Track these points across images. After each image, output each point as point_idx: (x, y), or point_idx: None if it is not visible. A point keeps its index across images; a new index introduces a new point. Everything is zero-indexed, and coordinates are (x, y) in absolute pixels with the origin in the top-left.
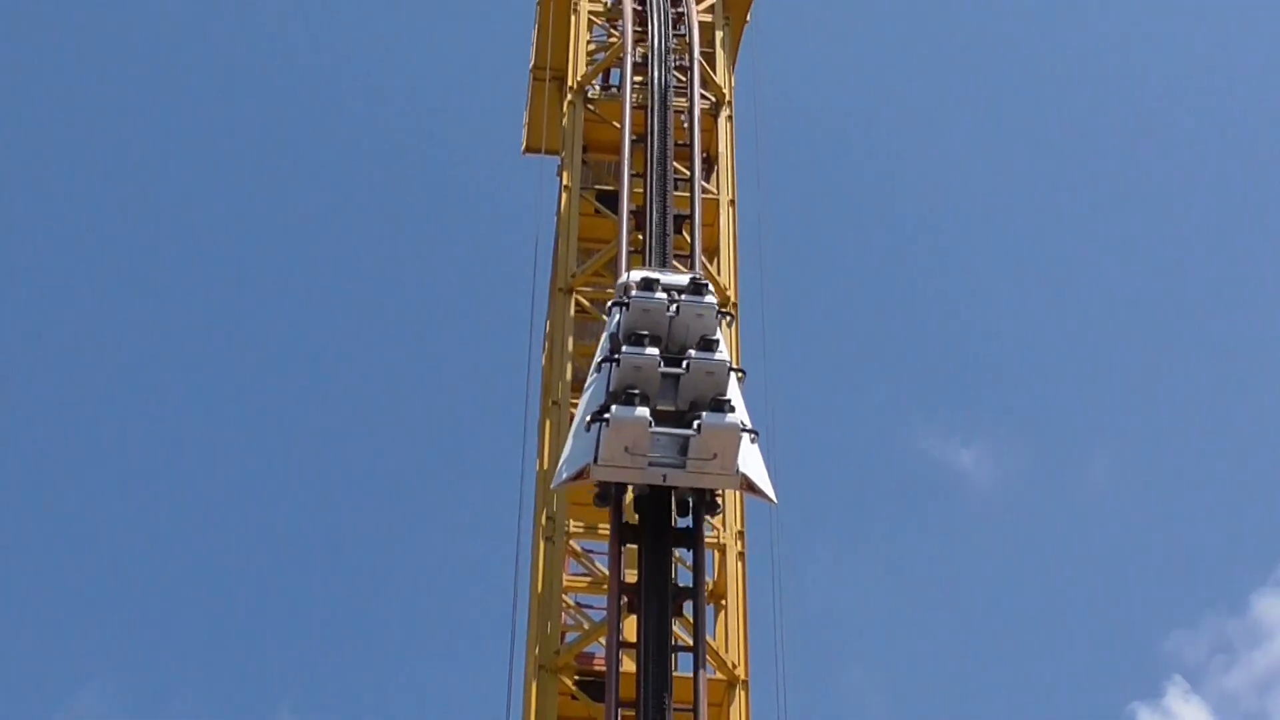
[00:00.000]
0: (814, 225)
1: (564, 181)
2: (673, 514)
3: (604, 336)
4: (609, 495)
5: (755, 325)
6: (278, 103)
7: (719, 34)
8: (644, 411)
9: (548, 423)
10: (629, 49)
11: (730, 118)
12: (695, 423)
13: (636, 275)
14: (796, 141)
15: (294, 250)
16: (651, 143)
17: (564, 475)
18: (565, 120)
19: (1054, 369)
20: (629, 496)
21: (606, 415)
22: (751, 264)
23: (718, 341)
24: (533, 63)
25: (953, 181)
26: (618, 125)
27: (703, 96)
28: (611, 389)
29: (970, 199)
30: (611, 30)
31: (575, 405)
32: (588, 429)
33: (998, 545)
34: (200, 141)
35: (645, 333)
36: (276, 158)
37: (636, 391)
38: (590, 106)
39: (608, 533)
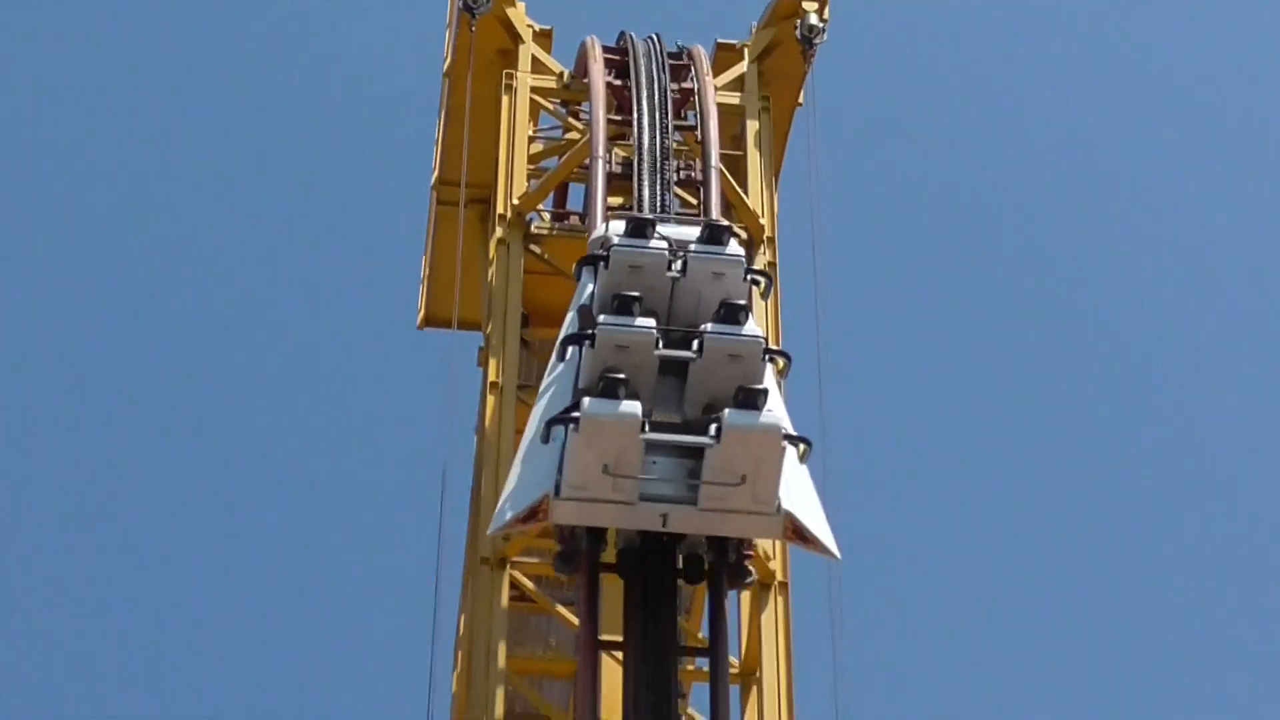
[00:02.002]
0: (902, 428)
1: (489, 375)
2: (677, 582)
3: (571, 311)
4: (577, 552)
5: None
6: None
7: (752, 125)
8: (633, 407)
9: None
10: (599, 151)
11: (772, 263)
12: (713, 426)
13: (619, 224)
14: (872, 287)
15: None
16: None
17: (508, 515)
18: (492, 271)
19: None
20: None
21: (575, 414)
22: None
23: (745, 309)
24: (436, 175)
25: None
26: None
27: None
28: (582, 383)
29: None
30: (570, 121)
31: None
32: (545, 440)
33: None
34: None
35: (635, 295)
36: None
37: (622, 377)
38: (535, 248)
39: None
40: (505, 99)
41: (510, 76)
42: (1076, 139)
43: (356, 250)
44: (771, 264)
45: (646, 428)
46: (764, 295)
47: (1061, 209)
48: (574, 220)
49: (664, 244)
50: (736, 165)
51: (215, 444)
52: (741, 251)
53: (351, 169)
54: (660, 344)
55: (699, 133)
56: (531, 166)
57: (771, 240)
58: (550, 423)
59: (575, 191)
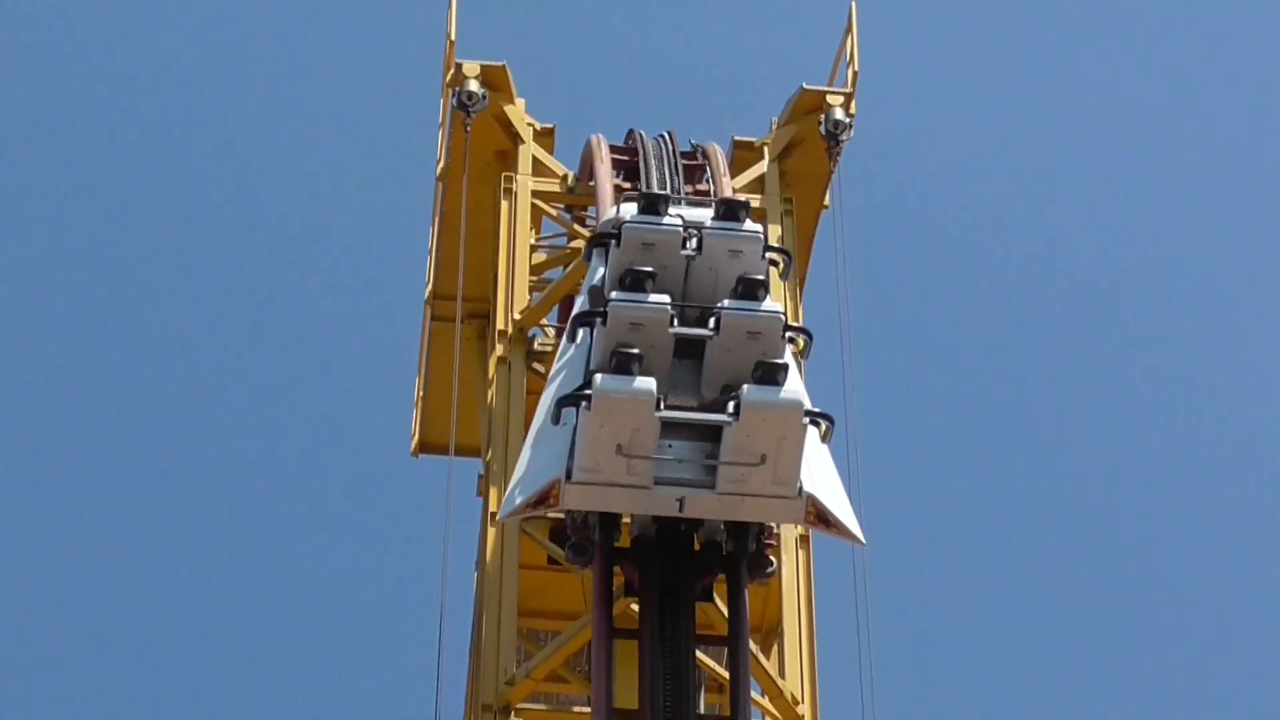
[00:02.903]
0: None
1: (489, 505)
2: (694, 574)
3: (582, 291)
4: (589, 543)
5: None
6: None
7: (774, 229)
8: (648, 383)
9: None
10: None
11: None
12: (731, 403)
13: (631, 206)
14: (906, 404)
15: None
16: None
17: (518, 500)
18: (492, 392)
19: None
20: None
21: (588, 391)
22: (843, 664)
23: (764, 285)
24: (430, 288)
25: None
26: None
27: None
28: (594, 364)
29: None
30: (576, 227)
31: None
32: (555, 421)
33: None
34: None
35: (649, 270)
36: None
37: (636, 352)
38: (538, 366)
39: None
40: (504, 204)
41: (509, 179)
42: (1108, 243)
43: (345, 370)
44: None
45: (662, 406)
46: (783, 276)
47: (1089, 309)
48: None
49: (678, 221)
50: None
51: (202, 583)
52: (759, 228)
53: (338, 282)
54: (675, 322)
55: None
56: (534, 278)
57: (801, 350)
58: (560, 403)
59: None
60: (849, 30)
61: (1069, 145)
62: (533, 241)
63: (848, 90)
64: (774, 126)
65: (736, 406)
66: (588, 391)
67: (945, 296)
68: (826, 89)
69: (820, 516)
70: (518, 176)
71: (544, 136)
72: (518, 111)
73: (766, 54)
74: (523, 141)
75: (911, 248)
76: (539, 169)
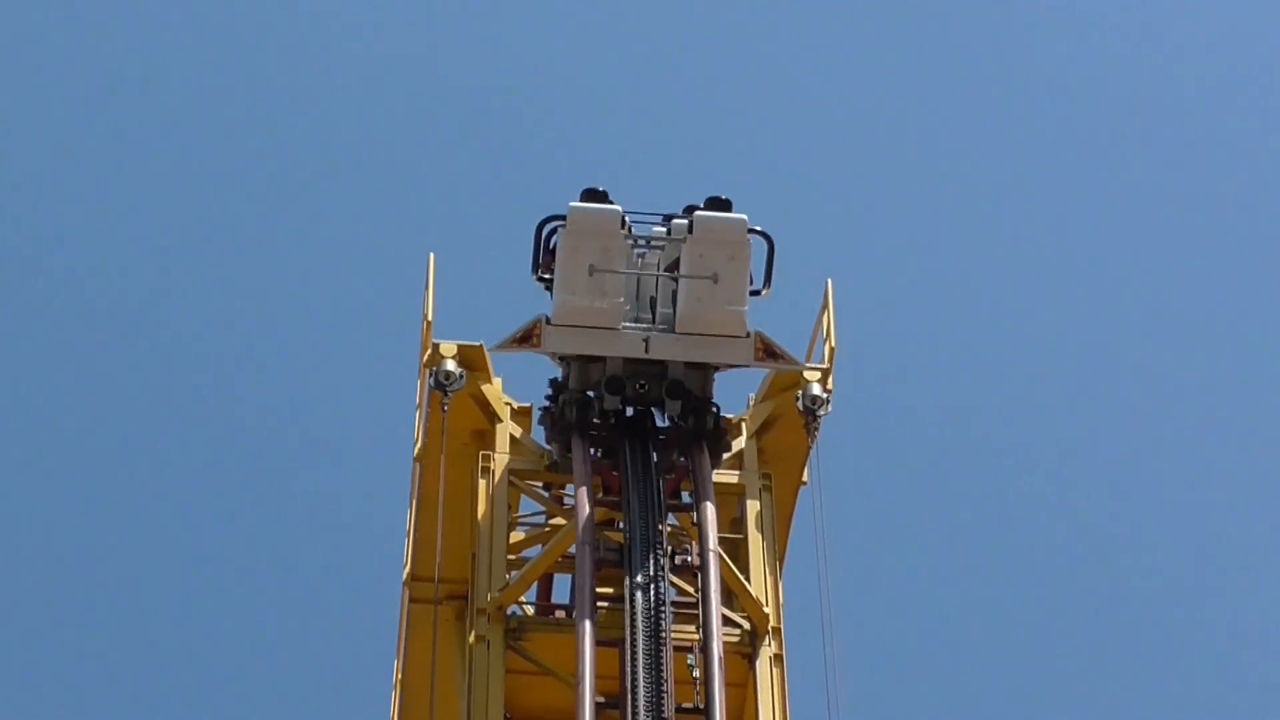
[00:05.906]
0: None
1: None
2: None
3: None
4: (567, 426)
5: None
6: None
7: (753, 505)
8: (614, 207)
9: None
10: (585, 535)
11: (779, 655)
12: (686, 225)
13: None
14: (887, 686)
15: None
16: (633, 708)
17: (505, 338)
18: (470, 668)
19: None
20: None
21: (560, 221)
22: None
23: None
24: (408, 570)
25: None
26: (568, 679)
27: (728, 623)
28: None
29: None
30: (555, 505)
31: None
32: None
33: None
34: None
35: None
36: None
37: (603, 190)
38: (516, 644)
39: None
40: (482, 482)
41: (487, 458)
42: (1094, 526)
43: (322, 655)
44: (777, 656)
45: (628, 228)
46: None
47: (1076, 595)
48: (558, 616)
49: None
50: (737, 549)
51: None
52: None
53: (314, 567)
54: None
55: (696, 516)
56: (512, 556)
57: (777, 631)
58: (542, 223)
59: (561, 582)
60: (825, 306)
61: (1049, 413)
62: (511, 520)
63: (824, 366)
64: (751, 403)
65: (690, 226)
66: (560, 221)
67: (929, 573)
68: (804, 365)
69: (768, 351)
70: (495, 455)
71: (521, 415)
72: (495, 390)
73: None
74: (500, 420)
75: (893, 523)
76: (516, 447)
